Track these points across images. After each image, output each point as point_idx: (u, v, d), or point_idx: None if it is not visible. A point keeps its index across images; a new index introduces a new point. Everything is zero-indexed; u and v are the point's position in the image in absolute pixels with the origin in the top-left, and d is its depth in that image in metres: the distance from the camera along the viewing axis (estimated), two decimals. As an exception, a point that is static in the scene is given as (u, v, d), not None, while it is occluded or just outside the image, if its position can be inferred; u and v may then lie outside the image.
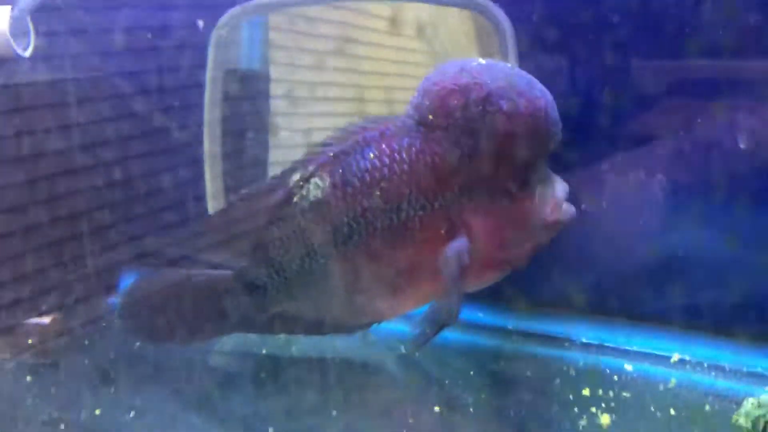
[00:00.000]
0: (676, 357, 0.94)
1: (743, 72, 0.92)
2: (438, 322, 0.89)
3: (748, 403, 0.77)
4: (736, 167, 0.94)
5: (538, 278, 1.01)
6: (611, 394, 0.84)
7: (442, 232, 0.86)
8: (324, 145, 0.88)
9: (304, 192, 0.87)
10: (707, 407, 0.82)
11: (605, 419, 0.78)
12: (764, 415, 0.75)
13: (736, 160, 0.93)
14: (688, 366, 0.92)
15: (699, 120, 0.94)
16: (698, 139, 0.96)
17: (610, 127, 0.98)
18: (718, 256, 0.95)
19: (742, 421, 0.76)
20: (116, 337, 0.96)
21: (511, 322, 1.01)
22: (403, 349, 0.93)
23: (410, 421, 0.76)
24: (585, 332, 0.98)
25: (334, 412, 0.78)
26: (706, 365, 0.92)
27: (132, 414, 0.76)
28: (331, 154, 0.87)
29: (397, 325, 0.95)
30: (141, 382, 0.84)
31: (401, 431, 0.74)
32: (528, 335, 0.99)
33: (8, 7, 0.98)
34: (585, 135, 0.97)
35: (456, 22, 1.11)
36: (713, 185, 0.95)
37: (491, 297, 1.01)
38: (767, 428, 0.73)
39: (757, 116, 0.92)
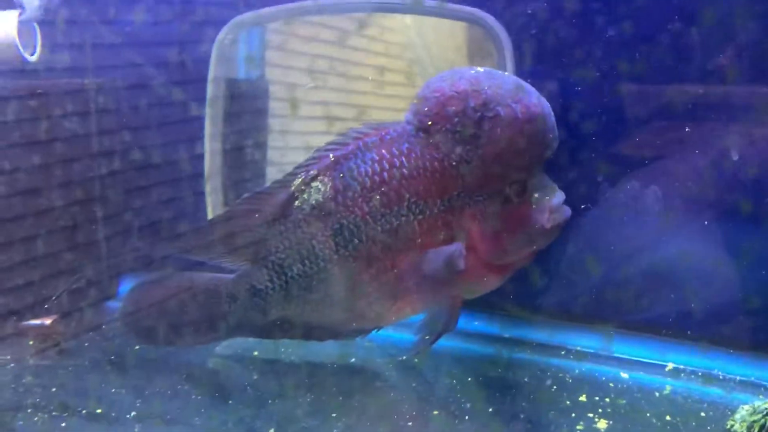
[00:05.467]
0: (670, 366, 0.95)
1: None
2: (436, 329, 0.91)
3: (743, 410, 0.78)
4: (730, 180, 0.95)
5: (534, 287, 1.03)
6: (607, 400, 0.85)
7: (441, 237, 0.88)
8: (325, 149, 0.90)
9: (305, 196, 0.89)
10: (702, 414, 0.83)
11: (602, 424, 0.79)
12: (758, 421, 0.75)
13: (729, 172, 0.95)
14: (682, 374, 0.93)
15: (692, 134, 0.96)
16: (692, 151, 0.97)
17: (606, 136, 1.00)
18: (711, 266, 0.97)
19: (737, 427, 0.77)
20: (117, 340, 0.96)
21: (507, 331, 1.02)
22: (401, 356, 0.93)
23: (409, 424, 0.77)
24: (580, 341, 0.99)
25: (334, 415, 0.78)
26: (700, 374, 0.93)
27: (133, 414, 0.76)
28: (333, 158, 0.89)
29: (395, 332, 0.96)
30: (141, 383, 0.85)
31: (400, 433, 0.74)
32: (524, 343, 0.99)
33: (16, 12, 1.00)
34: (580, 145, 0.99)
35: (446, 35, 1.13)
36: (707, 197, 0.97)
37: (487, 305, 1.02)
38: (762, 432, 0.74)
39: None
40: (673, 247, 0.98)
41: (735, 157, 0.94)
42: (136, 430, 0.73)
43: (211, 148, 1.12)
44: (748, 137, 0.94)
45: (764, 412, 0.75)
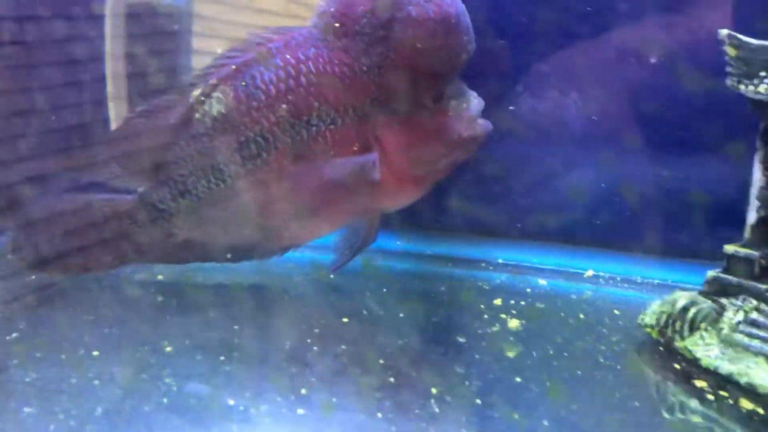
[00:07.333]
0: (589, 273, 0.95)
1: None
2: (355, 245, 0.87)
3: (654, 304, 0.78)
4: (642, 96, 0.94)
5: (454, 202, 1.01)
6: (523, 303, 0.84)
7: (355, 148, 0.84)
8: (225, 56, 0.84)
9: (206, 107, 0.83)
10: (616, 311, 0.83)
11: (514, 323, 0.78)
12: (666, 311, 0.76)
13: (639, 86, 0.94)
14: (601, 280, 0.94)
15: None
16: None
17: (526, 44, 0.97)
18: (629, 177, 0.96)
19: (648, 319, 0.77)
20: (9, 268, 0.89)
21: (427, 248, 1.00)
22: (319, 273, 0.90)
23: (316, 331, 0.74)
24: (501, 253, 0.99)
25: (236, 327, 0.75)
26: (619, 279, 0.94)
27: (15, 335, 0.71)
28: (234, 67, 0.83)
29: (315, 252, 0.93)
30: (29, 309, 0.79)
31: (305, 339, 0.71)
32: (444, 259, 0.98)
33: None
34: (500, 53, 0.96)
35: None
36: (625, 109, 0.96)
37: (408, 223, 1.00)
38: (669, 321, 0.75)
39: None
40: (592, 158, 0.98)
41: (653, 60, 0.93)
42: (15, 350, 0.68)
43: (113, 70, 1.04)
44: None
45: (672, 303, 0.76)
